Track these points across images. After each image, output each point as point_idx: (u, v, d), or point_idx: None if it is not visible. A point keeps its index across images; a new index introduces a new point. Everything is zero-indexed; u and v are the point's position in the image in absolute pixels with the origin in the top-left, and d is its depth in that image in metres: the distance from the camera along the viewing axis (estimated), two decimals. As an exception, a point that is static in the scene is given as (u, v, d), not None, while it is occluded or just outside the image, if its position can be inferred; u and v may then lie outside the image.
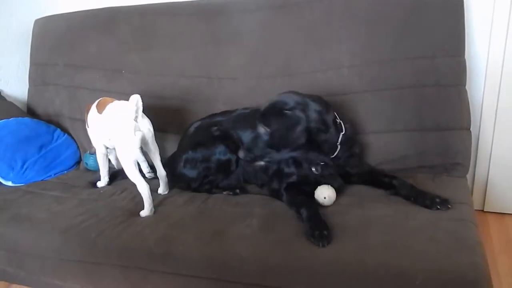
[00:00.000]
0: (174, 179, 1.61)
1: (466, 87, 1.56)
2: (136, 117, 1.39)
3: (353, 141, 1.46)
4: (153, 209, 1.39)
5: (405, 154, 1.58)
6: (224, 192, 1.54)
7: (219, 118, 1.63)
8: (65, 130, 2.06)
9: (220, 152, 1.52)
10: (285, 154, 1.26)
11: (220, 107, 1.75)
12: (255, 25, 1.78)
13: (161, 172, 1.55)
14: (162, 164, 1.55)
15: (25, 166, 1.80)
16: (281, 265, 1.08)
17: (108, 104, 1.52)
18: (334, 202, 1.35)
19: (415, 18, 1.56)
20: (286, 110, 1.27)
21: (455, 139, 1.54)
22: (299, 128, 1.24)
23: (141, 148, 1.48)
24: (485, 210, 1.87)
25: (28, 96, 2.19)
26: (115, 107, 1.49)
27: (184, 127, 1.74)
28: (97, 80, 1.99)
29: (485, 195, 1.85)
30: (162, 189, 1.57)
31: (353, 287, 1.02)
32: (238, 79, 1.79)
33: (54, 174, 1.88)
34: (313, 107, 1.29)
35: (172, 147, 1.78)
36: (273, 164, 1.47)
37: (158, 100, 1.85)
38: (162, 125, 1.83)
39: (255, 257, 1.11)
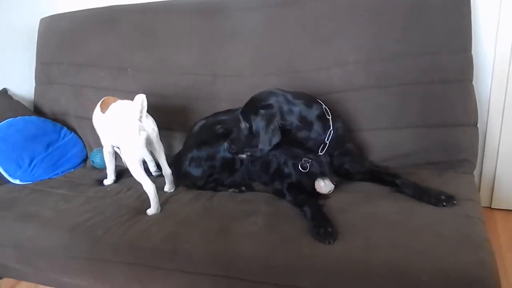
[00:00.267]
0: (179, 177, 1.61)
1: (473, 82, 1.54)
2: (141, 117, 1.39)
3: (345, 138, 1.45)
4: (159, 208, 1.40)
5: (411, 151, 1.57)
6: (230, 190, 1.54)
7: (223, 117, 1.63)
8: (71, 128, 2.07)
9: (224, 150, 1.52)
10: (265, 149, 1.26)
11: (224, 105, 1.75)
12: (259, 22, 1.78)
13: (166, 170, 1.56)
14: (167, 162, 1.55)
15: (32, 164, 1.82)
16: (286, 263, 1.08)
17: (111, 103, 1.52)
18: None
19: (421, 13, 1.55)
20: (262, 106, 1.28)
21: (462, 136, 1.53)
22: (272, 126, 1.25)
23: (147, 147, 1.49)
24: (492, 207, 1.85)
25: (34, 95, 2.21)
26: (118, 106, 1.50)
27: (189, 125, 1.74)
28: (102, 78, 2.00)
29: (492, 192, 1.84)
30: (168, 187, 1.58)
31: (358, 285, 1.02)
32: (242, 77, 1.79)
33: (61, 172, 1.90)
34: (292, 104, 1.29)
35: (178, 145, 1.79)
36: (255, 158, 1.48)
37: (162, 98, 1.86)
38: (168, 123, 1.84)
39: (260, 255, 1.11)
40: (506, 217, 1.79)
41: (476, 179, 1.61)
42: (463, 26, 1.52)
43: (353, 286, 1.02)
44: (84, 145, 2.05)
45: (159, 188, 1.53)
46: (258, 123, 1.27)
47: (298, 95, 1.34)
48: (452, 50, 1.52)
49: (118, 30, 2.00)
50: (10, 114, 1.93)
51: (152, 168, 1.72)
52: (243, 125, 1.34)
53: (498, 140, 1.76)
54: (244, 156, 1.38)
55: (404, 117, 1.58)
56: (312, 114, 1.32)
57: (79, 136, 2.07)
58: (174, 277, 1.20)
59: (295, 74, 1.70)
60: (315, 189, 1.40)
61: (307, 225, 1.19)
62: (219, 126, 1.58)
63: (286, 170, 1.45)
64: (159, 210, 1.40)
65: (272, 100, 1.29)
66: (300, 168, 1.39)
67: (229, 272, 1.14)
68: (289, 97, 1.31)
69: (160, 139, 1.53)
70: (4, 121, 1.87)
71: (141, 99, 1.37)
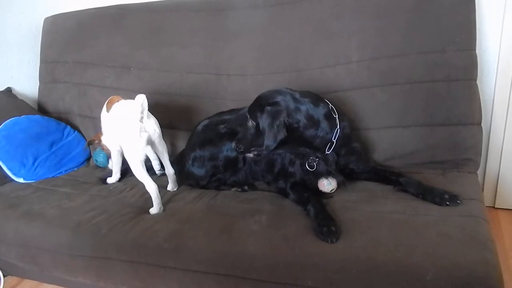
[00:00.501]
0: (182, 176, 1.61)
1: (477, 81, 1.54)
2: (142, 117, 1.39)
3: (351, 137, 1.45)
4: (162, 208, 1.40)
5: (415, 150, 1.57)
6: (233, 189, 1.54)
7: (226, 116, 1.63)
8: (75, 127, 2.08)
9: (227, 150, 1.53)
10: (271, 147, 1.26)
11: (228, 103, 1.75)
12: (264, 21, 1.78)
13: (169, 170, 1.56)
14: (170, 162, 1.56)
15: (36, 163, 1.83)
16: (289, 261, 1.08)
17: (114, 103, 1.52)
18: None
19: (425, 11, 1.54)
20: (268, 104, 1.28)
21: (465, 134, 1.53)
22: (277, 122, 1.25)
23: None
24: (496, 206, 1.85)
25: (38, 94, 2.22)
26: (121, 106, 1.50)
27: (193, 123, 1.74)
28: (106, 77, 2.01)
29: (496, 191, 1.83)
30: (171, 187, 1.58)
31: (361, 283, 1.02)
32: (247, 75, 1.79)
33: (65, 171, 1.91)
34: (299, 102, 1.30)
35: (182, 144, 1.79)
36: (262, 157, 1.48)
37: (166, 97, 1.86)
38: (172, 122, 1.85)
39: (263, 253, 1.12)
40: (510, 217, 1.79)
41: (479, 178, 1.61)
42: (468, 24, 1.52)
43: (357, 285, 1.02)
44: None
45: (162, 187, 1.53)
46: (264, 120, 1.27)
47: (305, 94, 1.34)
48: (456, 48, 1.51)
49: (122, 29, 2.01)
50: (14, 113, 1.94)
51: (156, 166, 1.72)
52: (250, 123, 1.34)
53: (502, 139, 1.75)
54: (251, 155, 1.38)
55: (408, 116, 1.57)
56: (319, 112, 1.32)
57: (83, 135, 2.07)
58: (177, 276, 1.20)
59: (300, 72, 1.70)
60: (318, 188, 1.40)
61: (311, 224, 1.19)
62: (222, 125, 1.58)
63: (291, 169, 1.45)
64: (161, 210, 1.40)
65: (279, 98, 1.29)
66: (307, 167, 1.39)
67: (233, 271, 1.14)
68: (296, 95, 1.31)
69: (164, 138, 1.53)
70: (8, 120, 1.88)
71: (141, 100, 1.37)
